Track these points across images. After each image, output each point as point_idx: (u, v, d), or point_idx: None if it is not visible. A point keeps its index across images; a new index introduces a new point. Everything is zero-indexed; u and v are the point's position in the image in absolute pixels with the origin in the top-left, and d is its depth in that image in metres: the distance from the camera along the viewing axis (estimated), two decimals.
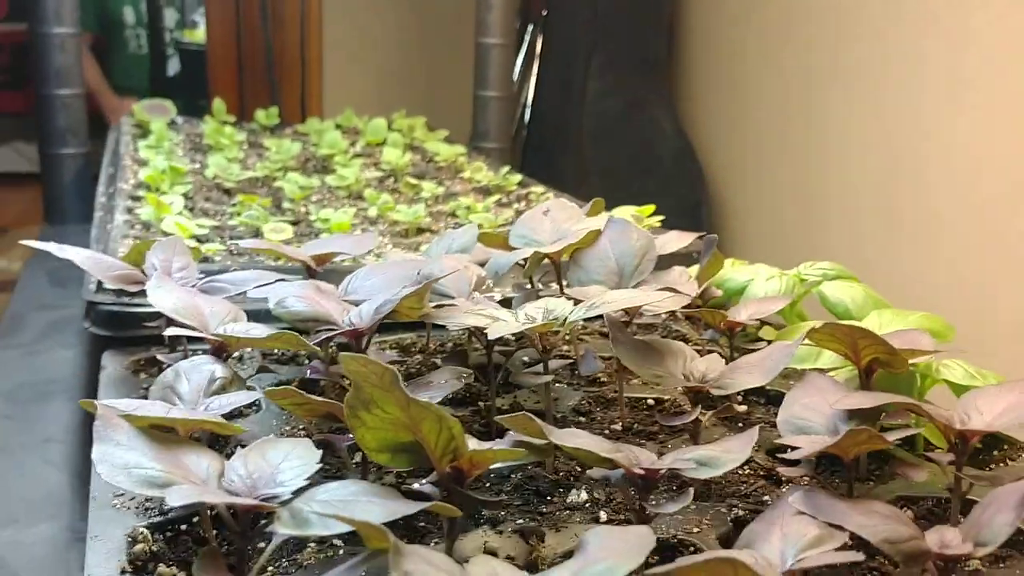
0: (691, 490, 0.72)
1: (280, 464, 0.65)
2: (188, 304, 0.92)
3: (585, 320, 1.36)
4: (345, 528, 0.57)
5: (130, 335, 1.20)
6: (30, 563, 1.06)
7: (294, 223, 1.94)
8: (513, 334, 0.87)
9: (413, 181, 2.29)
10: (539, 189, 2.18)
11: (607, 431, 1.04)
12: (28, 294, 2.01)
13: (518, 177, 2.28)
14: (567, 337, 1.29)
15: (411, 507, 0.60)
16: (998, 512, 0.66)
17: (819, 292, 1.25)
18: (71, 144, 2.57)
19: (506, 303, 1.15)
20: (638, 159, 3.37)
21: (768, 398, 1.16)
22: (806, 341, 0.92)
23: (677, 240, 1.37)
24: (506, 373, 1.02)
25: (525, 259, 1.14)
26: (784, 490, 0.92)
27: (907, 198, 2.42)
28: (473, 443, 0.74)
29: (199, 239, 1.57)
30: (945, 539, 0.67)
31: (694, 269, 1.44)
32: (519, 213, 1.99)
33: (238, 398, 0.76)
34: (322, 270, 1.19)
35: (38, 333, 1.80)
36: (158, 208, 1.62)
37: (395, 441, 0.70)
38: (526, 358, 1.26)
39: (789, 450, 0.79)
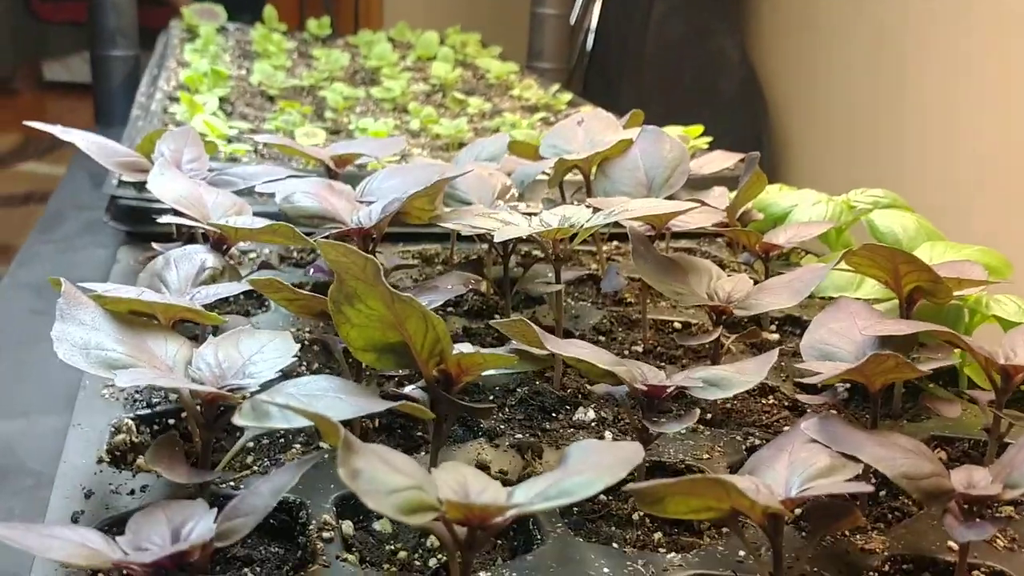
0: (696, 410, 0.67)
1: (252, 356, 0.62)
2: (190, 194, 0.88)
3: (620, 241, 1.31)
4: (305, 422, 0.53)
5: (148, 230, 1.18)
6: (37, 452, 1.05)
7: (333, 132, 1.90)
8: (533, 243, 0.82)
9: (460, 97, 2.22)
10: (588, 108, 2.10)
11: (626, 352, 0.99)
12: (68, 193, 2.01)
13: (568, 96, 2.19)
14: (596, 256, 1.23)
15: (378, 405, 0.56)
16: None
17: (868, 220, 1.16)
18: (121, 46, 2.55)
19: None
20: (700, 87, 3.24)
21: (803, 327, 1.09)
22: (844, 266, 0.85)
23: (720, 159, 1.29)
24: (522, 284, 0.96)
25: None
26: None
27: (990, 138, 2.28)
28: (466, 347, 0.70)
29: (228, 139, 1.53)
30: (972, 479, 0.61)
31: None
32: None
33: (225, 288, 0.72)
34: (343, 172, 1.15)
35: (75, 231, 1.80)
36: (191, 107, 1.59)
37: (382, 340, 0.66)
38: (550, 273, 1.20)
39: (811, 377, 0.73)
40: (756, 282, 1.04)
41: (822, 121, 2.98)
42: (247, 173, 1.00)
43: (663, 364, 0.95)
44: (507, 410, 0.84)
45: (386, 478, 0.46)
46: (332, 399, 0.56)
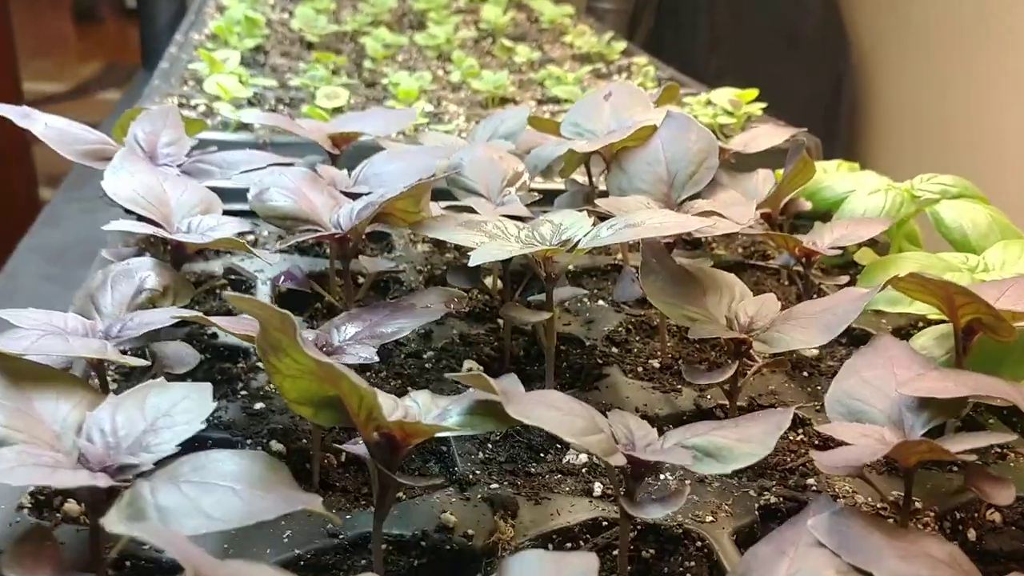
0: (685, 491, 0.56)
1: (158, 419, 0.53)
2: (151, 191, 0.79)
3: None
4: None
5: None
6: None
7: (370, 84, 1.79)
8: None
9: (508, 44, 2.09)
10: (642, 60, 1.94)
11: (641, 368, 0.88)
12: None
13: (621, 45, 2.04)
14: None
15: (277, 506, 0.46)
16: None
17: (933, 212, 1.02)
18: None
19: (547, 199, 0.98)
20: (777, 28, 3.02)
21: (851, 338, 0.96)
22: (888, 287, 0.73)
23: (769, 136, 1.15)
24: (523, 290, 0.86)
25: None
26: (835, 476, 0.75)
27: None
28: (422, 397, 0.60)
29: (245, 102, 1.44)
30: None
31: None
32: None
33: (152, 318, 0.64)
34: (343, 151, 1.05)
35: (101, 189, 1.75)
36: (211, 65, 1.50)
37: (318, 393, 0.57)
38: (570, 265, 1.09)
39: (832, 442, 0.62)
40: (797, 295, 0.92)
41: (911, 76, 2.73)
42: (226, 161, 0.91)
43: (679, 387, 0.84)
44: (489, 447, 0.74)
45: None
46: (225, 493, 0.47)
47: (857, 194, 1.05)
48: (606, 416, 0.62)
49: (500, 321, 0.95)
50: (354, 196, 0.87)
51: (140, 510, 0.45)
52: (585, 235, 0.72)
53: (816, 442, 0.79)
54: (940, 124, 2.52)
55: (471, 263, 0.66)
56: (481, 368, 0.86)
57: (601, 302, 1.01)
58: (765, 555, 0.52)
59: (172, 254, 0.78)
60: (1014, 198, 1.96)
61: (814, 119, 1.90)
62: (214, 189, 0.87)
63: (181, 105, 1.40)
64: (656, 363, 0.89)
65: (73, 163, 1.84)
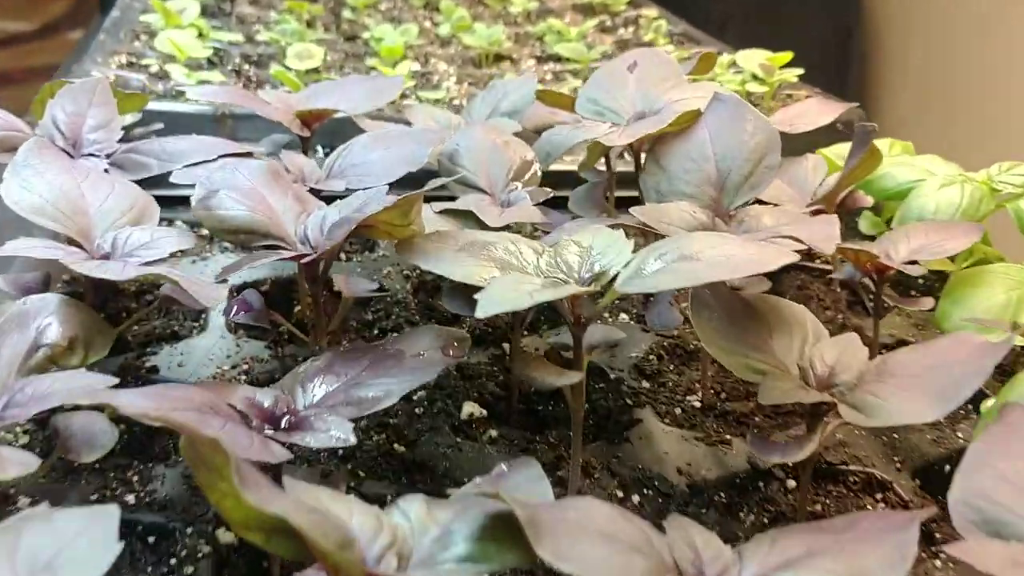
0: None
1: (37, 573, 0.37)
2: (64, 196, 0.62)
3: None
4: None
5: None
6: None
7: (350, 38, 1.60)
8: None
9: None
10: (652, 12, 1.75)
11: (679, 409, 0.73)
12: None
13: None
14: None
15: None
16: None
17: (1016, 210, 0.86)
18: None
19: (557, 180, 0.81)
20: None
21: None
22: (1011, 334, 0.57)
23: (817, 112, 0.98)
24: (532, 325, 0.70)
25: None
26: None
27: None
28: (414, 514, 0.44)
29: (204, 61, 1.25)
30: None
31: (835, 149, 1.06)
32: (621, 44, 1.59)
33: (53, 388, 0.47)
34: (315, 130, 0.87)
35: None
36: (165, 16, 1.30)
37: (270, 520, 0.40)
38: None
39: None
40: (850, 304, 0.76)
41: (920, 29, 2.54)
42: (167, 150, 0.73)
43: (727, 438, 0.69)
44: None
45: None
46: None
47: (926, 187, 0.89)
48: (646, 505, 0.47)
49: (506, 347, 0.79)
50: (328, 199, 0.70)
51: None
52: (624, 266, 0.55)
53: (899, 509, 0.63)
54: (950, 80, 2.34)
55: (477, 314, 0.49)
56: (484, 413, 0.70)
57: (624, 316, 0.85)
58: None
59: (88, 281, 0.61)
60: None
61: (822, 72, 1.73)
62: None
63: (130, 65, 1.21)
64: (696, 401, 0.74)
65: None
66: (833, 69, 2.71)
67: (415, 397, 0.71)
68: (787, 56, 1.23)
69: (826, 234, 0.60)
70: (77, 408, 0.52)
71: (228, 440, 0.46)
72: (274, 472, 0.54)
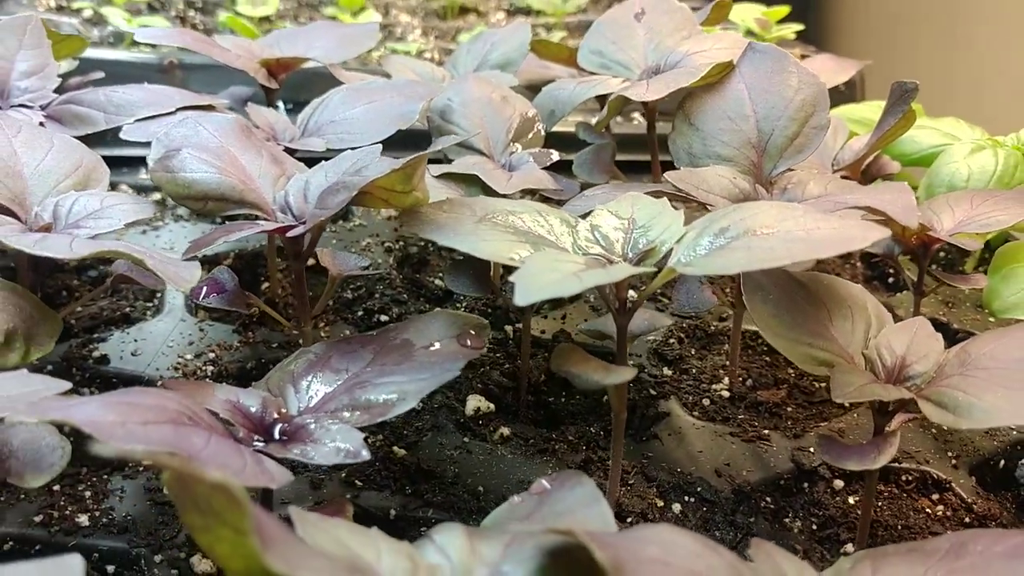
0: None
1: None
2: None
3: None
4: None
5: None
6: None
7: None
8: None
9: None
10: None
11: (707, 400, 0.65)
12: None
13: None
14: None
15: None
16: None
17: None
18: None
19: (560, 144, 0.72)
20: None
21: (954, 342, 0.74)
22: None
23: (831, 72, 0.91)
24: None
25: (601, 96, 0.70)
26: None
27: None
28: (454, 554, 0.36)
29: (144, 6, 1.12)
30: None
31: (846, 110, 0.99)
32: None
33: None
34: (281, 82, 0.76)
35: None
36: None
37: None
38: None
39: None
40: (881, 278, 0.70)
41: None
42: (115, 99, 0.62)
43: (766, 433, 0.61)
44: None
45: None
46: None
47: (954, 152, 0.82)
48: (745, 555, 0.39)
49: (510, 328, 0.70)
50: (304, 160, 0.60)
51: None
52: (678, 242, 0.47)
53: (966, 519, 0.57)
54: (914, 25, 2.29)
55: (517, 302, 0.40)
56: (491, 407, 0.61)
57: (632, 293, 0.77)
58: None
59: (26, 263, 0.50)
60: (992, 97, 1.75)
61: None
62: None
63: (60, 9, 1.08)
64: (724, 390, 0.66)
65: None
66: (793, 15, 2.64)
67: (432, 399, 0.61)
68: (784, 10, 1.15)
69: (904, 203, 0.52)
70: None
71: (212, 460, 0.37)
72: (263, 492, 0.45)
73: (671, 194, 0.57)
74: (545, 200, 0.71)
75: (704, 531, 0.53)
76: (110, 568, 0.47)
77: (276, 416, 0.44)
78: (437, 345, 0.48)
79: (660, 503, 0.54)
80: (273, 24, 1.15)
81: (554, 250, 0.47)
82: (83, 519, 0.49)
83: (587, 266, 0.45)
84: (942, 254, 0.88)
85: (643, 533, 0.36)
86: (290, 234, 0.51)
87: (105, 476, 0.52)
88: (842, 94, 1.05)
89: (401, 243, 0.79)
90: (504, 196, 0.60)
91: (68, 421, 0.34)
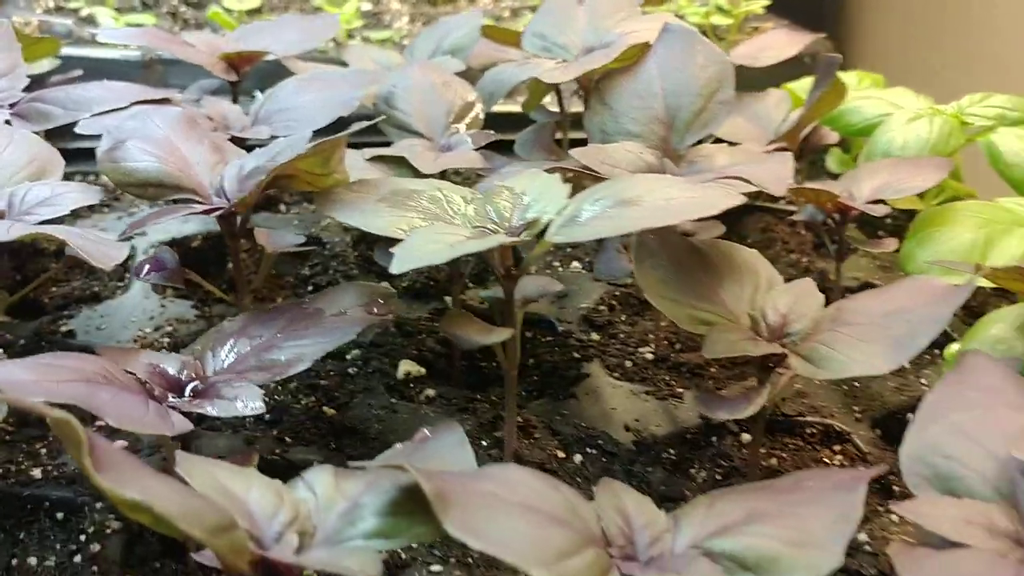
0: None
1: None
2: None
3: None
4: None
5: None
6: None
7: None
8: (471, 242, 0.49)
9: None
10: None
11: (629, 362, 0.69)
12: None
13: None
14: None
15: None
16: None
17: (988, 144, 0.82)
18: None
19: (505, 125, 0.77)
20: None
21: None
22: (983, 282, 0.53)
23: (783, 45, 0.94)
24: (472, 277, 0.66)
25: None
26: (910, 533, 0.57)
27: None
28: (320, 489, 0.41)
29: (139, 3, 1.18)
30: None
31: (804, 84, 1.01)
32: None
33: None
34: (243, 75, 0.82)
35: None
36: None
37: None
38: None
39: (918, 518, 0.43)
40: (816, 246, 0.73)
41: None
42: (75, 97, 0.68)
43: (679, 391, 0.65)
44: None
45: None
46: None
47: (893, 121, 0.84)
48: (587, 469, 0.44)
49: (448, 299, 0.75)
50: (248, 148, 0.65)
51: None
52: (558, 214, 0.51)
53: (856, 462, 0.61)
54: (934, 5, 2.28)
55: (392, 269, 0.45)
56: (422, 371, 0.66)
57: (576, 265, 0.81)
58: None
59: None
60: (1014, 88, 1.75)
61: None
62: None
63: (58, 10, 1.15)
64: (648, 353, 0.70)
65: None
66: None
67: (349, 356, 0.67)
68: None
69: (777, 174, 0.56)
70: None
71: (115, 412, 0.43)
72: (184, 444, 0.50)
73: (579, 170, 0.61)
74: (481, 178, 0.76)
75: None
76: (59, 515, 0.53)
77: (193, 377, 0.50)
78: (346, 312, 0.53)
79: (562, 454, 0.58)
80: (261, 17, 1.21)
81: (443, 224, 0.52)
82: (36, 473, 0.55)
83: (468, 237, 0.49)
84: (889, 220, 0.91)
85: (487, 471, 0.41)
86: (216, 215, 0.56)
87: None
88: (805, 66, 1.08)
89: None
90: (430, 176, 0.65)
91: None
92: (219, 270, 0.78)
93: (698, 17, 1.18)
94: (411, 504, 0.40)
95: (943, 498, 0.44)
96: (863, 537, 0.54)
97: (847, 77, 1.03)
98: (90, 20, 1.10)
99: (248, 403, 0.46)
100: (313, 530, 0.39)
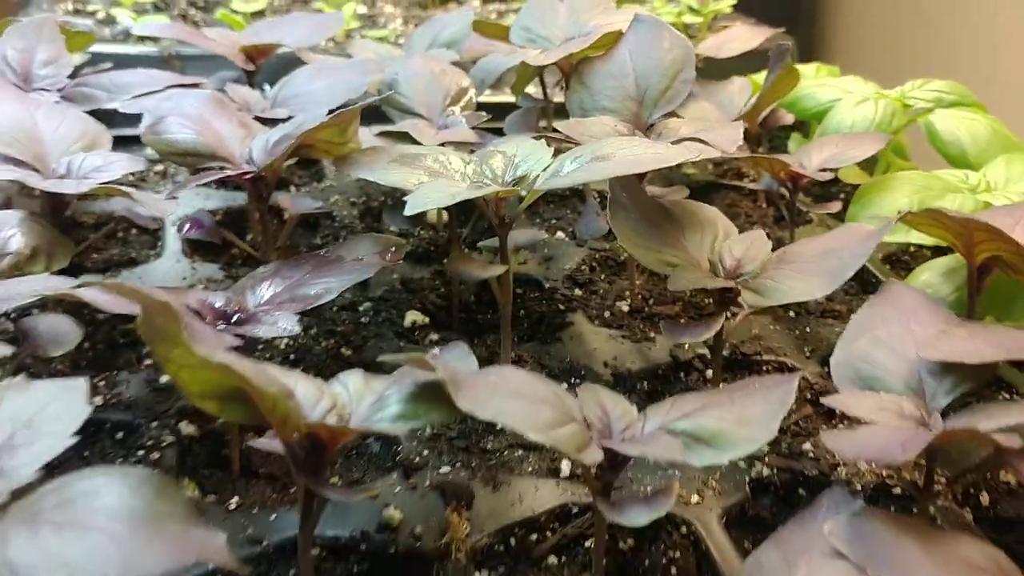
0: (671, 495, 0.46)
1: (16, 433, 0.42)
2: (18, 125, 0.66)
3: None
4: None
5: None
6: None
7: None
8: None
9: None
10: None
11: (608, 313, 0.78)
12: None
13: None
14: None
15: (164, 558, 0.36)
16: None
17: (927, 124, 0.92)
18: None
19: (497, 112, 0.86)
20: None
21: (861, 284, 0.86)
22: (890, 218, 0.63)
23: (744, 38, 1.04)
24: (474, 225, 0.75)
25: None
26: (842, 428, 0.66)
27: None
28: (354, 378, 0.49)
29: (150, 6, 1.27)
30: None
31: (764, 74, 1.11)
32: None
33: (15, 291, 0.51)
34: (259, 66, 0.91)
35: None
36: None
37: (224, 386, 0.46)
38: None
39: (843, 419, 0.53)
40: (777, 219, 0.82)
41: None
42: (115, 82, 0.77)
43: (651, 336, 0.75)
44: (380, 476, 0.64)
45: None
46: (97, 539, 0.36)
47: (843, 104, 0.94)
48: (574, 389, 0.52)
49: (446, 261, 0.84)
50: (271, 122, 0.74)
51: None
52: (544, 170, 0.60)
53: (808, 396, 0.70)
54: (900, 11, 2.39)
55: (406, 212, 0.54)
56: (427, 320, 0.75)
57: (561, 234, 0.91)
58: (771, 565, 0.44)
59: (46, 203, 0.65)
60: (998, 96, 1.86)
61: (772, 5, 1.77)
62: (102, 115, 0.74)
63: (77, 12, 1.23)
64: (625, 306, 0.79)
65: None
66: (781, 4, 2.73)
67: (361, 308, 0.76)
68: None
69: (728, 136, 0.65)
70: (43, 313, 0.57)
71: (189, 331, 0.51)
72: None
73: (562, 139, 0.70)
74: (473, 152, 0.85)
75: None
76: (118, 435, 0.61)
77: (237, 309, 0.58)
78: (362, 257, 0.62)
79: None
80: (265, 18, 1.29)
81: (445, 180, 0.61)
82: (98, 400, 0.63)
83: (468, 187, 0.58)
84: (842, 195, 1.01)
85: (489, 369, 0.50)
86: (248, 177, 0.65)
87: (115, 373, 0.67)
88: (768, 59, 1.17)
89: (364, 199, 0.93)
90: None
91: (78, 296, 0.49)
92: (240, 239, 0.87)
93: (671, 16, 1.28)
94: (428, 395, 0.49)
95: (864, 392, 0.53)
96: (808, 447, 0.64)
97: (806, 68, 1.13)
98: (109, 21, 1.19)
99: (287, 325, 0.55)
100: (348, 416, 0.48)
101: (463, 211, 0.78)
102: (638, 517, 0.46)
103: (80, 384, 0.45)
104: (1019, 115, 1.01)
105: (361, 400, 0.49)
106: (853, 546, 0.42)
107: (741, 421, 0.49)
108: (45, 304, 0.64)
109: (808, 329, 0.77)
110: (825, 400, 0.52)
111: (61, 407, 0.43)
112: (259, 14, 1.28)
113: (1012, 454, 0.49)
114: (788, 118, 0.96)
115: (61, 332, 0.55)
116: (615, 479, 0.49)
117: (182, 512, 0.39)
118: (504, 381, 0.48)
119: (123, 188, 0.59)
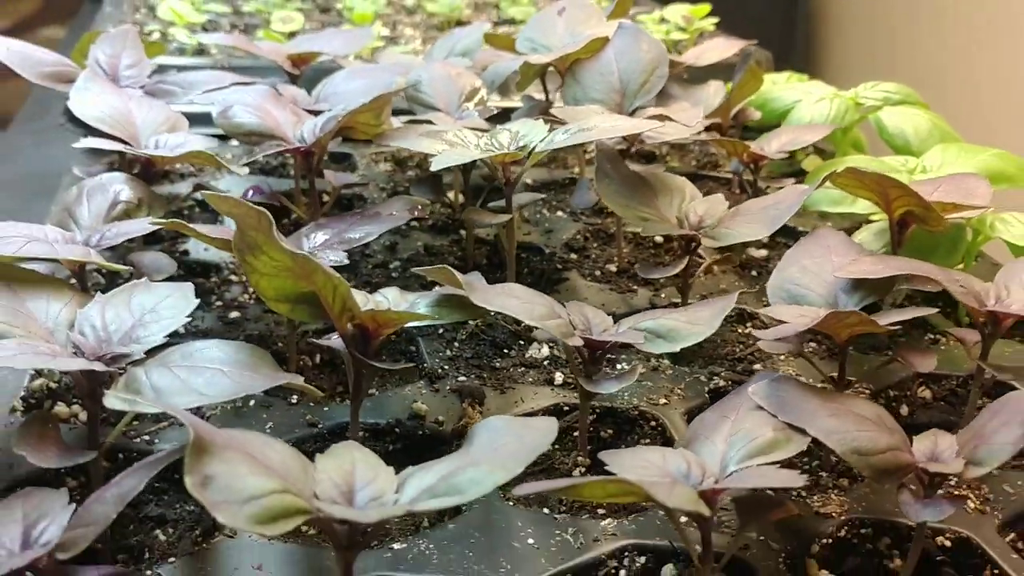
0: (637, 368, 0.61)
1: (144, 315, 0.56)
2: (117, 111, 0.81)
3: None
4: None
5: None
6: None
7: (324, 10, 1.79)
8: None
9: None
10: None
11: (599, 272, 0.93)
12: None
13: None
14: (582, 156, 1.15)
15: (266, 381, 0.50)
16: (1003, 425, 0.53)
17: (876, 119, 1.06)
18: None
19: (504, 116, 1.01)
20: None
21: (798, 239, 1.00)
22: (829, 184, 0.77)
23: (720, 48, 1.19)
24: (483, 202, 0.89)
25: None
26: (781, 359, 0.80)
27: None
28: (392, 293, 0.64)
29: (200, 28, 1.44)
30: (936, 449, 0.55)
31: None
32: None
33: (129, 228, 0.66)
34: (302, 72, 1.06)
35: (60, 118, 1.74)
36: None
37: (294, 290, 0.60)
38: (528, 180, 1.13)
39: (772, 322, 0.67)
40: (742, 196, 0.96)
41: None
42: (188, 81, 0.92)
43: (634, 288, 0.89)
44: (455, 346, 0.78)
45: (243, 483, 0.41)
46: (214, 374, 0.51)
47: (804, 103, 1.09)
48: (564, 307, 0.67)
49: (463, 232, 0.98)
50: (316, 114, 0.89)
51: (137, 390, 0.49)
52: (541, 140, 0.75)
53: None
54: (896, 36, 2.55)
55: (433, 167, 0.69)
56: None
57: (560, 213, 1.05)
58: (710, 420, 0.58)
59: (141, 172, 0.80)
60: (964, 106, 2.01)
61: (770, 30, 1.91)
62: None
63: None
64: (613, 267, 0.94)
65: (26, 97, 1.82)
66: (779, 28, 2.89)
67: (391, 266, 0.90)
68: (706, 8, 1.43)
69: (691, 115, 0.80)
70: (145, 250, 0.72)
71: None
72: None
73: (557, 121, 0.85)
74: None
75: None
76: None
77: None
78: (395, 212, 0.77)
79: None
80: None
81: (462, 148, 0.76)
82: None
83: (479, 152, 0.73)
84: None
85: (496, 285, 0.65)
86: (301, 151, 0.80)
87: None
88: None
89: (392, 184, 1.08)
90: None
91: (177, 227, 0.64)
92: (285, 214, 1.02)
93: (660, 34, 1.43)
94: (450, 302, 0.64)
95: (791, 306, 0.67)
96: (758, 367, 0.78)
97: (779, 76, 1.28)
98: (165, 39, 1.36)
99: (337, 258, 0.70)
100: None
101: (475, 193, 0.93)
102: (609, 387, 0.60)
103: (188, 286, 0.60)
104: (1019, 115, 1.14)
105: (398, 305, 0.64)
106: (770, 400, 0.56)
107: (691, 321, 0.63)
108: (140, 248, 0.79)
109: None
110: (760, 311, 0.66)
111: (176, 299, 0.58)
112: (293, 34, 1.44)
113: (901, 348, 0.63)
114: (756, 114, 1.11)
115: (161, 264, 0.70)
116: (595, 371, 0.64)
117: (270, 362, 0.54)
118: (509, 288, 0.63)
119: (209, 153, 0.75)
